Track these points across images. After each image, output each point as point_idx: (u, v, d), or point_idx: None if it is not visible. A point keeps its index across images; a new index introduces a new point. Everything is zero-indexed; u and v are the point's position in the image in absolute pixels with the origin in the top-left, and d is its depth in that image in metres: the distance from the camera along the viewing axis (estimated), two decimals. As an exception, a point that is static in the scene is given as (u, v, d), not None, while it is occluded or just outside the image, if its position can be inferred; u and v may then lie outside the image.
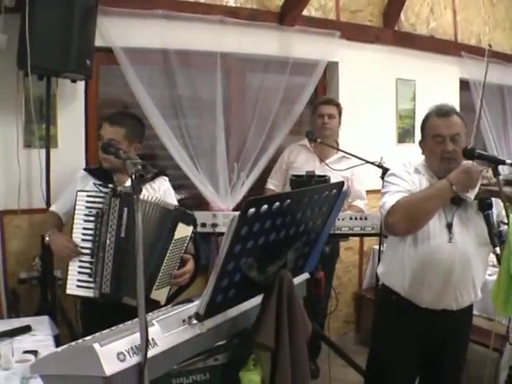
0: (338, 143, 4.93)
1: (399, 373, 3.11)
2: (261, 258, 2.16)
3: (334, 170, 4.53)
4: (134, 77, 4.37)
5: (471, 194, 2.79)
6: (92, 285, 3.24)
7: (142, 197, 3.18)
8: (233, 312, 2.31)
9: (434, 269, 2.93)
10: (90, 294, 3.24)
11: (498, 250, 2.58)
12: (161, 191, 3.62)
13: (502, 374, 2.62)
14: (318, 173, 4.17)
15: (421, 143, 3.12)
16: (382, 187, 3.12)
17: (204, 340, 2.20)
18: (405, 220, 2.86)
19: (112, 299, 3.18)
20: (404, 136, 6.13)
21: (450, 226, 2.89)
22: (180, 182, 4.72)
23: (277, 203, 2.03)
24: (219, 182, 4.77)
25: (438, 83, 6.38)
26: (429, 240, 2.91)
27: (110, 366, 1.81)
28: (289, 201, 2.09)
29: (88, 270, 3.27)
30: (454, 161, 2.90)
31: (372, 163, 4.25)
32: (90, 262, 3.27)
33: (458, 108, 6.46)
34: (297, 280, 2.70)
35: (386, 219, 2.92)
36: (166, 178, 3.74)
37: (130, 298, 3.16)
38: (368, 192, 4.98)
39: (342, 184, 2.47)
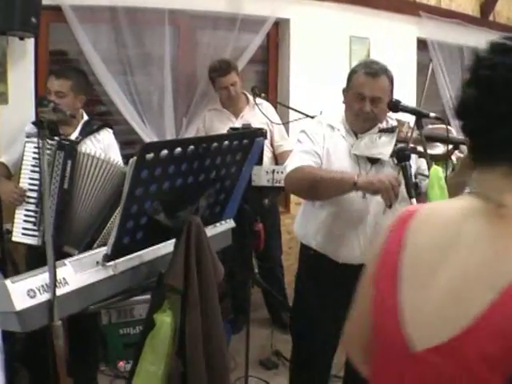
0: (246, 94, 5.09)
1: (323, 326, 3.14)
2: (169, 202, 2.29)
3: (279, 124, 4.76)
4: (83, 34, 4.48)
5: (385, 156, 2.90)
6: (36, 233, 3.41)
7: (90, 152, 3.35)
8: (149, 255, 2.48)
9: (348, 224, 3.00)
10: (33, 241, 3.42)
11: (414, 201, 2.59)
12: (105, 142, 3.77)
13: None
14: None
15: (344, 92, 3.13)
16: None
17: (119, 282, 2.35)
18: (297, 187, 3.02)
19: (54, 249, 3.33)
20: None
21: None
22: (129, 137, 4.91)
23: (178, 149, 2.15)
24: (167, 136, 4.90)
25: (394, 42, 6.45)
26: (342, 196, 2.94)
27: (21, 302, 1.98)
28: (192, 147, 2.22)
29: (33, 219, 3.44)
30: (369, 121, 2.98)
31: (311, 117, 4.31)
32: (35, 211, 3.44)
33: (414, 68, 6.86)
34: (218, 228, 2.87)
35: (285, 179, 3.04)
36: (111, 131, 3.89)
37: (71, 247, 3.32)
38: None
39: (254, 133, 2.61)
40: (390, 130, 3.00)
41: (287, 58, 5.75)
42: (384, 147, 2.93)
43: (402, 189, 2.75)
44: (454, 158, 3.05)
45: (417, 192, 2.63)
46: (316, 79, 5.82)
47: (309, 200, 3.09)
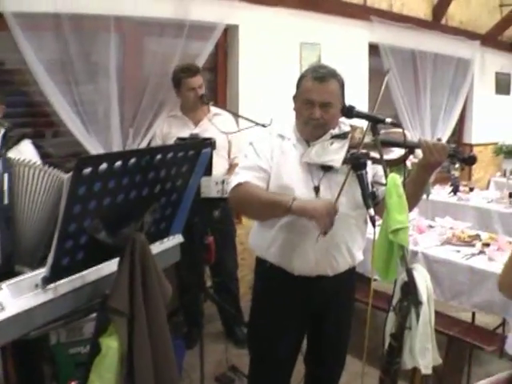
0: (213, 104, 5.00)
1: (282, 341, 3.09)
2: (110, 219, 2.17)
3: (221, 131, 4.64)
4: (26, 43, 4.31)
5: (337, 163, 2.81)
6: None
7: (26, 161, 3.18)
8: (92, 275, 2.34)
9: (302, 235, 2.89)
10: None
11: (371, 211, 2.50)
12: (27, 154, 3.58)
13: (387, 341, 2.65)
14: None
15: (294, 98, 3.02)
16: None
17: (60, 305, 2.21)
18: (237, 205, 2.97)
19: (5, 270, 3.16)
20: None
21: (317, 190, 2.86)
22: (75, 149, 4.74)
23: (118, 162, 2.03)
24: (113, 147, 4.76)
25: (345, 47, 6.48)
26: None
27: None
28: (134, 159, 2.10)
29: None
30: (320, 127, 2.89)
31: (262, 125, 4.27)
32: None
33: (366, 73, 6.85)
34: (165, 244, 2.75)
35: (228, 196, 2.96)
36: (30, 141, 3.71)
37: (23, 265, 3.13)
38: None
39: (201, 144, 2.50)
40: (342, 136, 2.92)
41: (236, 65, 5.68)
42: (336, 154, 2.84)
43: (359, 197, 2.69)
44: (408, 163, 2.96)
45: (374, 202, 2.55)
46: (266, 86, 5.79)
47: (249, 218, 3.02)
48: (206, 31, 5.22)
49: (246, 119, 4.51)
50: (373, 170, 2.97)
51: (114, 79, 4.75)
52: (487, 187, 8.53)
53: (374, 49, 7.08)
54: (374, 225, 2.47)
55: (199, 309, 4.26)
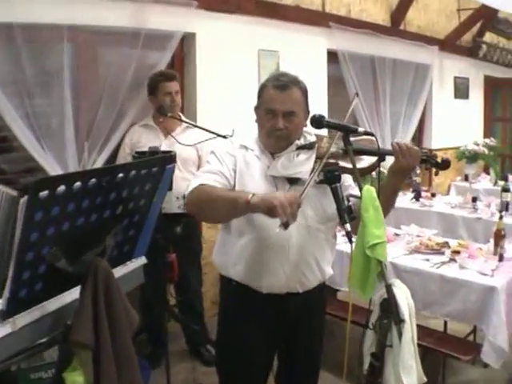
0: (180, 114, 4.85)
1: (251, 360, 2.97)
2: (70, 245, 2.03)
3: (181, 144, 4.45)
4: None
5: (304, 175, 2.70)
6: None
7: None
8: (53, 305, 2.18)
9: (269, 251, 2.78)
10: None
11: (348, 226, 2.37)
12: None
13: (366, 360, 2.55)
14: (164, 148, 4.13)
15: (255, 109, 2.90)
16: None
17: (20, 338, 2.05)
18: (196, 208, 2.75)
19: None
20: None
21: None
22: (29, 165, 4.58)
23: (78, 183, 1.89)
24: (68, 162, 4.60)
25: (304, 54, 6.41)
26: (263, 219, 2.65)
27: None
28: (94, 180, 1.96)
29: None
30: (284, 138, 2.77)
31: (224, 136, 4.13)
32: None
33: (325, 80, 6.79)
34: (128, 266, 2.61)
35: (185, 200, 2.80)
36: None
37: None
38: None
39: (165, 160, 2.37)
40: (308, 147, 2.81)
41: (193, 74, 5.57)
42: (302, 165, 2.74)
43: (329, 210, 2.64)
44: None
45: (351, 216, 2.41)
46: (224, 95, 5.71)
47: (209, 222, 2.88)
48: (163, 40, 5.09)
49: (207, 130, 4.38)
50: (346, 182, 2.88)
51: (69, 91, 4.58)
52: (448, 192, 8.55)
53: (332, 56, 7.05)
54: (350, 240, 2.37)
55: (163, 328, 4.13)
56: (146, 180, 2.29)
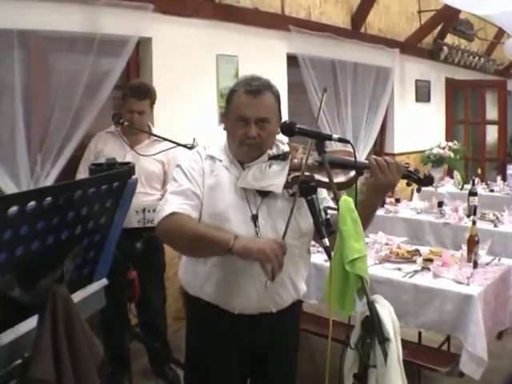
0: (150, 127, 4.72)
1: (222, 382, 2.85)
2: (25, 271, 1.86)
3: (145, 156, 4.33)
4: None
5: (277, 188, 2.59)
6: None
7: None
8: (8, 336, 1.98)
9: (241, 270, 2.64)
10: None
11: (326, 241, 2.25)
12: None
13: (348, 381, 2.41)
14: (128, 159, 4.01)
15: (223, 117, 2.80)
16: None
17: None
18: (168, 239, 2.66)
19: None
20: None
21: (255, 219, 2.62)
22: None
23: (32, 203, 1.72)
24: (20, 175, 4.42)
25: (263, 59, 6.31)
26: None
27: None
28: (50, 198, 1.79)
29: None
30: (256, 147, 2.65)
31: (184, 146, 4.06)
32: None
33: (285, 85, 6.77)
34: (89, 289, 2.44)
35: (157, 227, 2.64)
36: None
37: None
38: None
39: (126, 174, 2.21)
40: (281, 157, 2.68)
41: (149, 80, 5.39)
42: (275, 177, 2.61)
43: (304, 225, 2.57)
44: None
45: (329, 230, 2.28)
46: (182, 102, 5.60)
47: (175, 250, 2.73)
48: (118, 45, 4.92)
49: (163, 139, 4.29)
50: (321, 194, 2.76)
51: (20, 100, 4.39)
52: (411, 197, 8.51)
53: (292, 60, 6.98)
54: (329, 256, 2.24)
55: (124, 348, 4.00)
56: (107, 196, 2.12)
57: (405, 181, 2.64)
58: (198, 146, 2.90)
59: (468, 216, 6.21)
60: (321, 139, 2.47)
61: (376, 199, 2.63)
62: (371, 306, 2.22)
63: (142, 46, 5.45)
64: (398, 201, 7.23)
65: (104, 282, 2.57)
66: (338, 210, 2.30)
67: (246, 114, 2.60)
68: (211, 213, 2.63)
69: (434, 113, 10.18)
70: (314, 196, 2.34)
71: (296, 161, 2.67)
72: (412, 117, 9.41)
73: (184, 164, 2.73)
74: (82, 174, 4.45)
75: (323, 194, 2.78)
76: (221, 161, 2.72)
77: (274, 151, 2.73)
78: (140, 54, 5.52)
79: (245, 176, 2.65)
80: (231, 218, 2.61)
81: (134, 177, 2.28)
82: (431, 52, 9.73)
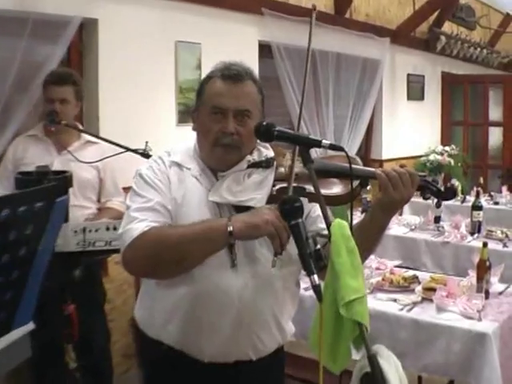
0: (79, 127, 4.53)
1: None
2: None
3: (80, 162, 4.15)
4: None
5: (258, 202, 2.39)
6: None
7: None
8: None
9: (213, 308, 2.45)
10: None
11: (315, 279, 1.97)
12: None
13: None
14: (56, 167, 3.88)
15: (193, 113, 2.62)
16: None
17: None
18: (150, 264, 2.38)
19: None
20: (186, 114, 5.78)
21: (231, 244, 2.43)
22: None
23: None
24: None
25: (231, 47, 6.18)
26: (201, 267, 2.38)
27: None
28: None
29: None
30: (234, 149, 2.47)
31: (134, 151, 3.93)
32: None
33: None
34: (7, 338, 2.18)
35: (124, 256, 2.42)
36: None
37: None
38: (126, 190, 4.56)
39: (55, 190, 1.95)
40: (264, 165, 2.50)
41: (95, 71, 5.26)
42: (256, 190, 2.43)
43: (290, 250, 2.23)
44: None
45: (319, 265, 2.01)
46: (133, 98, 5.43)
47: (169, 278, 2.48)
48: (56, 28, 4.70)
49: (112, 143, 4.13)
50: (307, 208, 2.49)
51: None
52: (401, 211, 8.40)
53: (265, 49, 6.93)
54: (320, 298, 1.97)
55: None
56: (27, 220, 1.85)
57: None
58: (147, 151, 2.66)
59: (471, 234, 6.13)
60: (307, 146, 2.23)
61: (385, 219, 2.42)
62: (373, 360, 1.97)
63: (86, 29, 5.29)
64: (387, 215, 7.05)
65: (29, 326, 2.33)
66: (329, 237, 2.07)
67: (222, 103, 2.44)
68: None
69: (429, 113, 10.17)
70: (300, 220, 2.08)
71: (283, 169, 2.52)
72: (403, 117, 9.40)
73: (146, 172, 2.53)
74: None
75: (317, 211, 2.55)
76: (189, 169, 2.54)
77: (254, 157, 2.54)
78: (84, 40, 5.34)
79: (218, 187, 2.46)
80: None
81: (65, 195, 2.01)
82: (426, 42, 9.72)
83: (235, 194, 2.42)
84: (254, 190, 2.42)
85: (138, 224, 2.38)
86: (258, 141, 2.52)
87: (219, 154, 2.46)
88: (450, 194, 2.44)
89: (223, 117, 2.43)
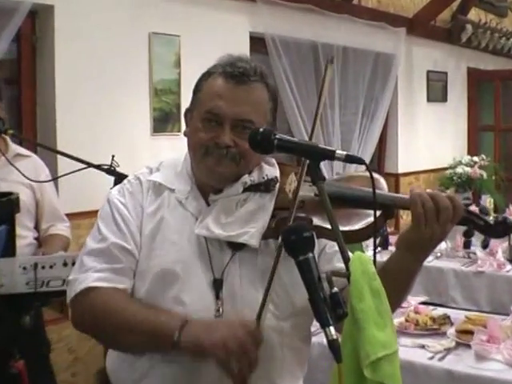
0: (5, 139, 4.36)
1: None
2: None
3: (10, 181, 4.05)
4: None
5: (253, 239, 2.23)
6: None
7: None
8: None
9: (196, 369, 2.30)
10: None
11: (332, 331, 1.77)
12: None
13: None
14: None
15: (186, 115, 2.47)
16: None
17: None
18: (90, 330, 2.39)
19: None
20: (163, 122, 5.84)
21: (218, 286, 2.29)
22: None
23: None
24: None
25: (216, 41, 6.18)
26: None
27: None
28: None
29: None
30: (230, 161, 2.29)
31: (97, 167, 3.85)
32: None
33: None
34: None
35: (71, 307, 2.35)
36: None
37: None
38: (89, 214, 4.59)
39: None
40: (263, 187, 2.34)
41: (51, 69, 5.21)
42: (249, 222, 2.29)
43: (296, 295, 2.21)
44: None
45: (338, 313, 1.81)
46: (97, 102, 5.37)
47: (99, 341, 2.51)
48: (2, 15, 4.67)
49: (70, 157, 4.06)
50: (318, 247, 2.34)
51: None
52: None
53: (257, 42, 6.91)
54: (338, 358, 1.76)
55: None
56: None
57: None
58: (144, 168, 2.48)
59: (510, 261, 5.99)
60: (317, 158, 2.07)
61: (413, 262, 2.25)
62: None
63: (40, 17, 5.26)
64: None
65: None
66: (348, 276, 1.93)
67: (219, 108, 2.28)
68: (154, 272, 2.31)
69: (453, 116, 10.16)
70: (310, 255, 1.88)
71: (286, 194, 2.36)
72: (422, 122, 9.38)
73: (113, 198, 2.42)
74: None
75: (334, 246, 2.37)
76: (173, 190, 2.39)
77: (253, 177, 2.37)
78: (37, 31, 5.30)
79: (205, 217, 2.32)
80: (184, 281, 2.29)
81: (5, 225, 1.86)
82: (449, 32, 9.69)
83: (224, 226, 2.28)
84: (246, 221, 2.28)
85: (86, 275, 2.30)
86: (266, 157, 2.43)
87: (210, 164, 2.30)
88: (504, 229, 2.25)
89: (218, 126, 2.28)
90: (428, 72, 9.46)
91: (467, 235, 2.27)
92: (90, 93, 5.27)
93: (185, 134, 2.43)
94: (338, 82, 7.74)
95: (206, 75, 2.39)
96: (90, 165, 3.97)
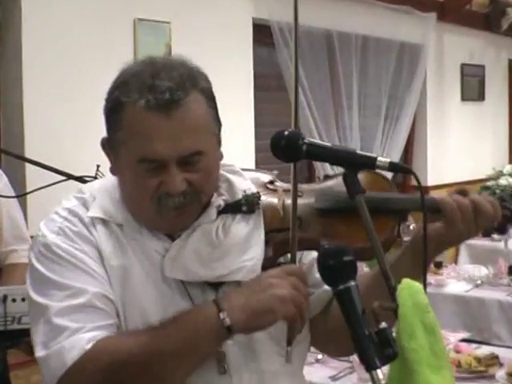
0: None
1: None
2: None
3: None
4: None
5: (248, 273, 2.12)
6: None
7: None
8: None
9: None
10: None
11: (379, 375, 1.72)
12: None
13: None
14: None
15: (107, 150, 2.21)
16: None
17: None
18: None
19: None
20: None
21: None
22: None
23: None
24: None
25: (213, 28, 6.25)
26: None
27: None
28: None
29: None
30: (191, 205, 2.14)
31: (78, 179, 3.72)
32: None
33: (250, 72, 6.74)
34: None
35: (61, 381, 2.07)
36: None
37: None
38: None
39: None
40: (245, 208, 2.21)
41: (17, 63, 5.28)
42: (244, 251, 2.16)
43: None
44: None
45: (388, 353, 1.74)
46: (74, 100, 5.35)
47: None
48: None
49: (43, 166, 3.96)
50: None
51: None
52: (456, 258, 8.29)
53: (262, 31, 6.90)
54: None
55: None
56: None
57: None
58: (68, 202, 2.27)
59: None
60: (355, 166, 2.01)
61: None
62: None
63: (3, 2, 5.26)
64: (439, 265, 6.94)
65: None
66: (395, 309, 1.86)
67: (154, 152, 2.07)
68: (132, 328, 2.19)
69: (491, 118, 10.14)
70: (352, 284, 1.80)
71: (277, 209, 2.26)
72: (455, 125, 9.38)
73: (57, 242, 2.18)
74: None
75: (310, 254, 2.34)
76: (121, 226, 2.23)
77: (224, 195, 2.25)
78: (1, 17, 5.31)
79: (178, 254, 2.17)
80: None
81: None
82: (487, 18, 9.66)
83: (209, 263, 2.15)
84: (236, 253, 2.16)
85: (73, 339, 2.08)
86: (224, 165, 2.30)
87: (170, 218, 2.16)
88: None
89: (162, 170, 2.09)
90: (462, 65, 9.44)
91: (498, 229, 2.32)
92: (65, 90, 5.27)
93: (112, 173, 2.23)
94: (357, 78, 7.75)
95: (119, 107, 2.10)
96: (69, 176, 3.84)
